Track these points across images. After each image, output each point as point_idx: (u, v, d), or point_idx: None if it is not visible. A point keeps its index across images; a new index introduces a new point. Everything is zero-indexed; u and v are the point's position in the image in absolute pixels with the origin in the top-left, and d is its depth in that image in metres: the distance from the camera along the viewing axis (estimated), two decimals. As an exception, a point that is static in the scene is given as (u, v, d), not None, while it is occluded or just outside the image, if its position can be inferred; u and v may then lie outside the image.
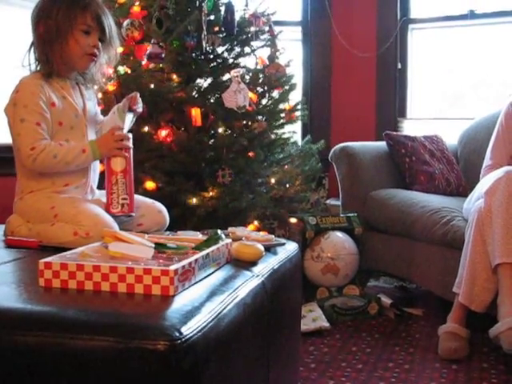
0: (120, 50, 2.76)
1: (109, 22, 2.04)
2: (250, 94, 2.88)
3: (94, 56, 2.03)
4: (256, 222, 2.88)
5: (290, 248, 1.92)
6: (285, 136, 3.21)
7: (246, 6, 3.08)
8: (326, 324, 2.70)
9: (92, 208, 1.91)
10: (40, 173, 1.97)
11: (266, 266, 1.65)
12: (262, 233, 1.88)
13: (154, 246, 1.40)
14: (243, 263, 1.59)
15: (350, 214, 3.18)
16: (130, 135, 2.04)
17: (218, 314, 1.19)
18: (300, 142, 3.54)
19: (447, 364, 2.35)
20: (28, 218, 1.96)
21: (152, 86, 2.78)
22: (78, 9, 1.96)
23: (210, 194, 2.79)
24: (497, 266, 2.32)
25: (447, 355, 2.41)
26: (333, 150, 3.43)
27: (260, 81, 3.07)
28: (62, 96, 2.01)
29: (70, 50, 1.98)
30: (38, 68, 2.03)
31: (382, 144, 3.47)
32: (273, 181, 3.03)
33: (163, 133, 2.76)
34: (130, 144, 2.03)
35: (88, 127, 2.09)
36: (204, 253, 1.40)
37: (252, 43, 3.09)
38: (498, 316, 2.30)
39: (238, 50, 3.08)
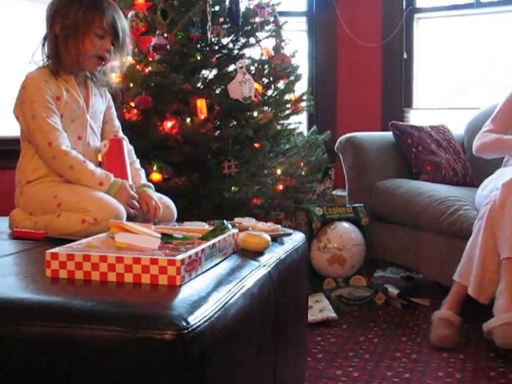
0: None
1: (123, 26, 2.06)
2: (256, 85, 2.87)
3: (103, 60, 2.04)
4: (262, 213, 2.88)
5: (296, 238, 1.91)
6: (290, 127, 3.21)
7: (251, -4, 3.08)
8: (333, 314, 2.70)
9: (95, 193, 1.89)
10: (40, 163, 1.98)
11: (273, 256, 1.64)
12: (268, 223, 1.88)
13: (160, 236, 1.40)
14: (250, 253, 1.59)
15: (356, 205, 3.18)
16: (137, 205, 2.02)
17: (225, 303, 1.19)
18: (306, 133, 3.53)
19: (454, 353, 2.35)
20: (31, 210, 1.96)
21: (157, 77, 2.78)
22: (97, 12, 1.98)
23: (216, 185, 2.79)
24: (503, 260, 2.32)
25: (439, 342, 2.43)
26: (339, 140, 3.43)
27: (265, 71, 3.07)
28: (65, 88, 2.02)
29: (84, 50, 1.99)
30: (46, 63, 2.03)
31: (389, 134, 3.47)
32: (279, 172, 3.03)
33: (169, 124, 2.76)
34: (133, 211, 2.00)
35: (90, 121, 2.09)
36: (210, 243, 1.39)
37: (257, 34, 3.08)
38: (493, 308, 2.29)
39: (243, 40, 3.07)
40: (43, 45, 2.05)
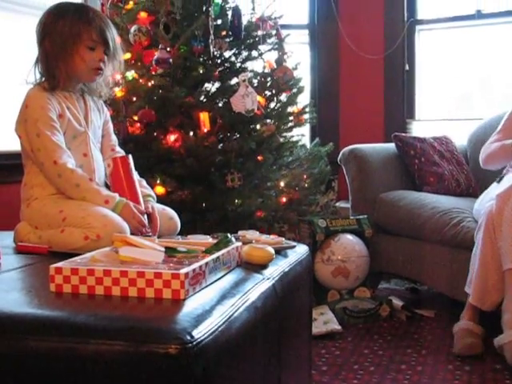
0: (127, 56, 2.78)
1: (112, 34, 2.04)
2: (258, 98, 2.88)
3: (100, 70, 2.03)
4: (266, 226, 2.88)
5: (300, 251, 1.91)
6: (293, 139, 3.21)
7: (253, 9, 3.09)
8: (338, 327, 2.70)
9: (100, 209, 1.88)
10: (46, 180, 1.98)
11: (277, 268, 1.64)
12: (272, 236, 1.87)
13: (164, 249, 1.40)
14: (253, 266, 1.58)
15: (359, 216, 3.17)
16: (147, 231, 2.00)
17: (229, 317, 1.19)
18: (309, 145, 3.54)
19: (460, 366, 2.34)
20: (36, 223, 1.95)
21: (160, 91, 2.79)
22: (83, 24, 1.96)
23: (220, 198, 2.79)
24: (506, 271, 2.32)
25: (464, 351, 2.41)
26: (341, 152, 3.43)
27: (268, 84, 3.07)
28: (66, 106, 2.02)
29: (76, 66, 1.99)
30: (43, 80, 2.02)
31: (391, 146, 3.47)
32: (282, 184, 3.03)
33: (172, 138, 2.76)
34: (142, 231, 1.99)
35: (91, 137, 2.08)
36: (214, 256, 1.39)
37: (259, 47, 3.09)
38: (501, 321, 2.29)
39: (245, 53, 3.08)
40: (37, 64, 2.03)
